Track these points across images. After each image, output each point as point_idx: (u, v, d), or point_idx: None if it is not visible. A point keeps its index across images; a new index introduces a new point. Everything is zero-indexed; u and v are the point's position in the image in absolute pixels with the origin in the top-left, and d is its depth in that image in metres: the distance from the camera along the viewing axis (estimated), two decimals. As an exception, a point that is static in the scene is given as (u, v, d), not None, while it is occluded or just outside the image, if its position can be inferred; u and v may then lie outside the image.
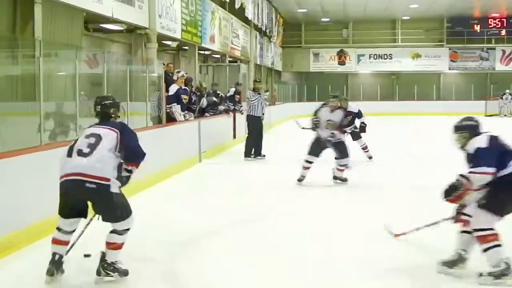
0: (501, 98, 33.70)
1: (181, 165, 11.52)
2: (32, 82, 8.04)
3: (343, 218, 7.65)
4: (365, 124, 13.35)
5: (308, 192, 9.78)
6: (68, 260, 5.31)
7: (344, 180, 10.33)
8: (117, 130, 5.26)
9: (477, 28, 39.38)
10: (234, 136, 16.72)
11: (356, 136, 13.20)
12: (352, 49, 40.74)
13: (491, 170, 5.06)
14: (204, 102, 15.34)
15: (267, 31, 31.21)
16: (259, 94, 14.05)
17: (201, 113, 14.96)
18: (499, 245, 5.04)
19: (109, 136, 5.19)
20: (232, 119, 16.49)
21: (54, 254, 5.15)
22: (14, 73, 9.20)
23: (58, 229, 5.20)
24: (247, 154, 13.74)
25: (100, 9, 11.67)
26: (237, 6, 22.57)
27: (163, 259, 5.94)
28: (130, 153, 5.32)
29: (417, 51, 40.07)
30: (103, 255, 5.16)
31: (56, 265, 5.12)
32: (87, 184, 4.94)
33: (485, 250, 5.06)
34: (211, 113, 15.37)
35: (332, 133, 10.14)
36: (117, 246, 5.16)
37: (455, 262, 5.37)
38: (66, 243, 5.23)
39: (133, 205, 5.27)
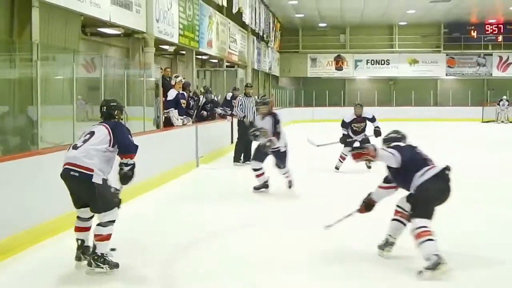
0: (498, 104, 33.73)
1: (179, 170, 11.48)
2: (30, 85, 8.02)
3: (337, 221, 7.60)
4: (379, 128, 12.59)
5: (302, 195, 9.73)
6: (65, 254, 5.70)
7: (258, 188, 10.03)
8: (109, 127, 5.61)
9: (474, 34, 39.50)
10: (232, 141, 16.66)
11: (365, 143, 12.68)
12: (350, 54, 40.81)
13: (398, 156, 5.81)
14: (202, 99, 15.45)
15: (265, 36, 31.22)
16: (250, 97, 14.21)
17: (199, 110, 15.03)
18: (431, 240, 5.51)
19: (101, 132, 5.57)
20: (229, 124, 16.46)
21: (77, 240, 5.64)
22: (12, 76, 9.17)
23: (78, 217, 5.64)
24: (237, 159, 13.75)
25: (98, 13, 11.67)
26: (234, 11, 22.58)
27: (160, 262, 5.94)
28: (122, 146, 5.60)
29: (414, 57, 40.16)
30: (94, 247, 5.40)
31: (81, 250, 5.62)
32: (72, 172, 5.36)
33: (419, 244, 5.55)
34: (209, 112, 15.41)
35: (270, 141, 9.79)
36: (103, 238, 5.38)
37: (385, 245, 6.11)
38: (87, 229, 5.63)
39: (132, 209, 5.32)
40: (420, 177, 5.76)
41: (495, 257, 6.14)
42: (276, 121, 9.89)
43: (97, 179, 5.33)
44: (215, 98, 16.61)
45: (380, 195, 6.27)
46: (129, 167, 5.62)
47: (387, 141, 6.33)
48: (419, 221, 5.61)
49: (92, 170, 5.32)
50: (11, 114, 9.07)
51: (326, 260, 6.12)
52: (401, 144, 6.08)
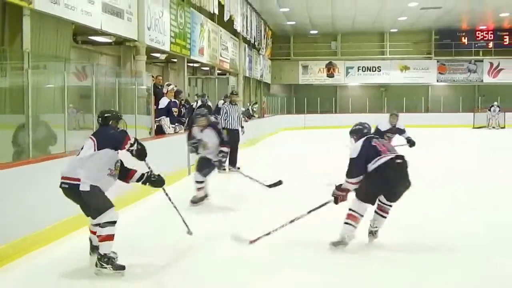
0: (489, 110, 33.90)
1: (171, 178, 11.42)
2: (21, 94, 8.01)
3: (327, 226, 7.63)
4: (411, 137, 12.35)
5: (296, 200, 9.71)
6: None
7: (196, 201, 9.51)
8: (93, 135, 5.90)
9: (465, 40, 39.64)
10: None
11: None
12: (341, 61, 40.88)
13: (356, 180, 6.53)
14: (198, 103, 15.50)
15: (256, 43, 31.27)
16: (236, 106, 14.38)
17: (192, 113, 15.12)
18: (353, 226, 6.52)
19: (87, 143, 5.82)
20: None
21: (89, 239, 6.11)
22: (2, 85, 9.15)
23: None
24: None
25: (89, 21, 11.66)
26: (226, 18, 22.60)
27: (158, 265, 6.08)
28: (112, 142, 5.84)
29: (406, 64, 40.24)
30: (98, 248, 5.74)
31: (91, 248, 6.07)
32: (62, 185, 5.73)
33: (344, 222, 6.55)
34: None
35: (221, 152, 9.54)
36: (103, 238, 5.66)
37: (369, 233, 6.92)
38: (94, 232, 5.91)
39: (125, 217, 5.41)
40: (371, 166, 6.45)
41: (487, 258, 6.40)
42: (219, 132, 9.69)
43: (84, 187, 5.62)
44: (209, 104, 16.69)
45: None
46: (134, 147, 5.86)
47: (353, 133, 7.05)
48: (355, 203, 6.54)
49: (78, 180, 5.62)
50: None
51: (321, 257, 6.44)
52: (353, 154, 6.64)
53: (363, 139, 6.76)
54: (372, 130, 8.10)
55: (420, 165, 13.90)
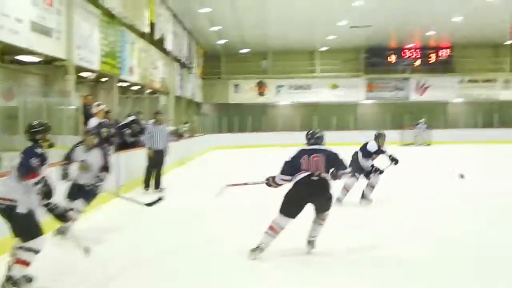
0: (415, 128, 34.72)
1: (99, 200, 11.22)
2: None
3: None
4: (392, 155, 12.06)
5: (234, 216, 9.78)
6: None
7: (62, 232, 8.26)
8: (21, 154, 5.91)
9: (393, 58, 40.58)
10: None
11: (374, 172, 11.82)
12: (272, 80, 41.22)
13: (286, 177, 7.23)
14: (130, 118, 15.59)
15: (187, 62, 31.22)
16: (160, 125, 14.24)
17: (124, 127, 14.97)
18: (272, 236, 7.06)
19: (17, 164, 5.87)
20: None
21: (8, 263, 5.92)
22: None
23: None
24: (146, 185, 13.98)
25: (16, 41, 11.41)
26: (156, 37, 22.52)
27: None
28: (19, 170, 5.81)
29: (335, 82, 40.81)
30: (9, 269, 5.75)
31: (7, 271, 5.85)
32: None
33: (264, 232, 7.09)
34: (132, 131, 15.30)
35: (99, 177, 8.55)
36: (20, 262, 5.65)
37: (307, 242, 7.44)
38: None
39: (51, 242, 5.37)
40: (292, 180, 7.12)
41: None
42: (106, 154, 8.83)
43: (21, 209, 5.68)
44: (142, 122, 16.61)
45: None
46: (38, 186, 5.80)
47: (306, 137, 7.59)
48: (277, 217, 7.11)
49: (15, 201, 5.68)
50: None
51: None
52: (289, 158, 7.28)
53: (299, 150, 7.36)
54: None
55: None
